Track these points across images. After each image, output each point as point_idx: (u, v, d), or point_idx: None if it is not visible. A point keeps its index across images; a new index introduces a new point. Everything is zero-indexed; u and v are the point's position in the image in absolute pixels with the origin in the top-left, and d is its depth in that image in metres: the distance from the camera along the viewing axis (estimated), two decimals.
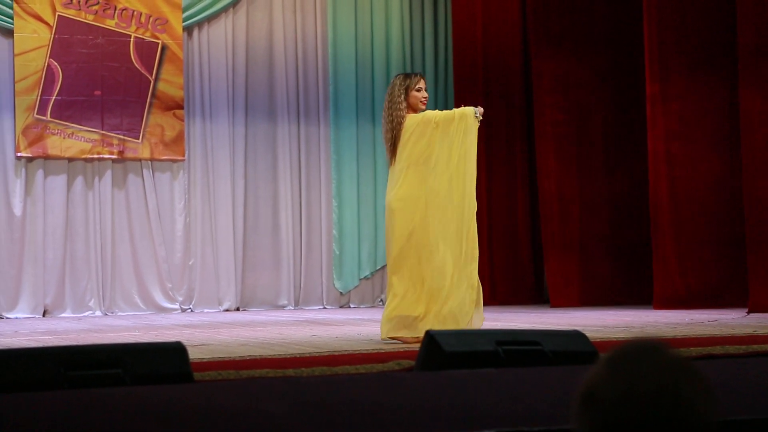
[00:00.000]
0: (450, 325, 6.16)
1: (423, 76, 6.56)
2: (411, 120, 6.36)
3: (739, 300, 9.02)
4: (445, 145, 6.36)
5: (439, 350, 3.61)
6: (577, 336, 3.87)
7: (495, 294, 11.09)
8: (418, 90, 6.42)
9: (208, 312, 10.50)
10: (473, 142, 6.48)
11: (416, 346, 4.92)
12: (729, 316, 8.03)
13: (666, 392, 1.38)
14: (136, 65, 10.47)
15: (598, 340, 5.36)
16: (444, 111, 6.52)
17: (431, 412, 2.64)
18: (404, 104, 6.37)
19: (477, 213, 11.12)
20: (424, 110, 6.46)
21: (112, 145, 10.37)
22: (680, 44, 9.45)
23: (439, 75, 11.59)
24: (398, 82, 6.43)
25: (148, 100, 10.50)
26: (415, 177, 6.32)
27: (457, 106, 11.26)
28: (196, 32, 10.85)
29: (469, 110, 6.44)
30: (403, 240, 6.28)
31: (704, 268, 9.39)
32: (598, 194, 10.58)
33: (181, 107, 10.62)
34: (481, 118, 6.52)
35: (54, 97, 10.18)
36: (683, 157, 9.45)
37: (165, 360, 3.24)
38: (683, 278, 9.36)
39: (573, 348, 3.74)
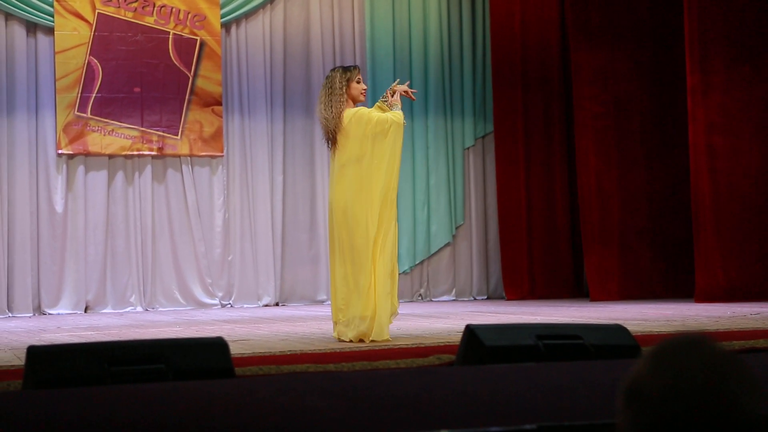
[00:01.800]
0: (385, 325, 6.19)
1: (359, 69, 6.60)
2: (347, 114, 6.36)
3: None
4: (385, 145, 6.35)
5: (480, 345, 3.60)
6: (618, 330, 3.84)
7: (534, 288, 11.06)
8: (358, 82, 6.47)
9: (247, 307, 10.55)
10: (400, 146, 6.49)
11: (450, 340, 4.92)
12: None
13: (712, 386, 1.37)
14: (175, 62, 10.53)
15: (639, 333, 5.32)
16: (377, 112, 6.45)
17: (472, 407, 2.63)
18: (345, 96, 6.39)
19: (516, 206, 11.21)
20: (363, 102, 6.53)
21: (151, 141, 10.44)
22: (722, 35, 9.36)
23: (477, 68, 11.56)
24: (338, 75, 6.44)
25: (187, 96, 10.55)
26: (355, 174, 6.30)
27: (497, 101, 11.30)
28: (233, 28, 10.89)
29: (401, 115, 6.45)
30: (358, 236, 6.23)
31: (746, 261, 9.30)
32: (638, 187, 10.51)
33: (219, 103, 10.67)
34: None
35: (94, 95, 10.26)
36: (725, 149, 9.37)
37: (207, 355, 3.25)
38: (725, 271, 9.28)
39: (614, 342, 3.72)
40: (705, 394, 1.36)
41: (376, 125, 6.35)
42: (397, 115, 6.43)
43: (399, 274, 10.95)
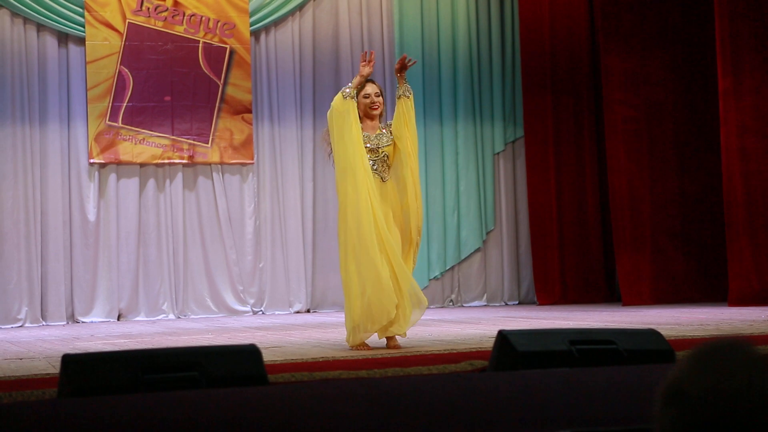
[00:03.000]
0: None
1: (371, 81, 6.21)
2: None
3: None
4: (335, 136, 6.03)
5: (513, 350, 3.58)
6: (652, 334, 3.81)
7: (566, 292, 11.02)
8: (366, 96, 6.10)
9: (279, 314, 10.56)
10: (343, 130, 6.02)
11: (482, 346, 4.89)
12: None
13: (753, 389, 1.36)
14: (205, 70, 10.57)
15: (673, 338, 5.29)
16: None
17: (506, 413, 2.62)
18: None
19: (547, 211, 11.17)
20: (378, 113, 6.16)
21: (182, 150, 10.48)
22: (753, 37, 9.30)
23: (507, 73, 11.53)
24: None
25: (217, 104, 10.59)
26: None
27: (526, 106, 11.28)
28: (263, 36, 10.92)
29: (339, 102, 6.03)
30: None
31: None
32: (669, 191, 10.46)
33: (249, 111, 10.70)
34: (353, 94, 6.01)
35: (125, 104, 10.31)
36: (757, 152, 9.30)
37: (240, 362, 3.26)
38: (758, 275, 9.21)
39: (648, 347, 3.69)
40: (747, 395, 1.36)
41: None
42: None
43: (430, 279, 11.06)
